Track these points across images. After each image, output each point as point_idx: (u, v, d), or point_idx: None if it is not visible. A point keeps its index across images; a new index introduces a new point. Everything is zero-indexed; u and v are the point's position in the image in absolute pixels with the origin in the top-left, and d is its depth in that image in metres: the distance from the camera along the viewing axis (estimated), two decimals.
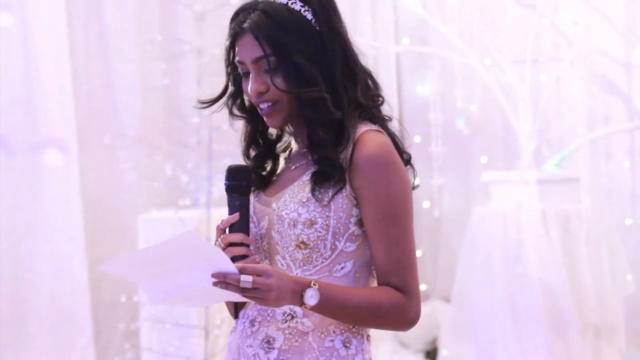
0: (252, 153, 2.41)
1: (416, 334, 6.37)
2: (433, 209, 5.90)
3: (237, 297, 2.17)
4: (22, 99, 5.77)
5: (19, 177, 5.77)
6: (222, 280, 2.11)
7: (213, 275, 2.11)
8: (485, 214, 5.57)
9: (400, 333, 6.31)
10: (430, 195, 5.95)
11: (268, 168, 2.40)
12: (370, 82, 2.35)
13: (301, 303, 2.18)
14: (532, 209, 5.36)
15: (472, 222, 5.58)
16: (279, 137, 2.43)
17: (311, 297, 2.18)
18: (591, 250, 5.34)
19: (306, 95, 2.25)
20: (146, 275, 2.18)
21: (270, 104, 2.29)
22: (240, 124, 2.43)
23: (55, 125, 5.84)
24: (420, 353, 6.44)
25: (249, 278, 2.11)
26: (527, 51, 5.56)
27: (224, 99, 2.38)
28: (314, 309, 2.20)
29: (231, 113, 2.38)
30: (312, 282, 2.19)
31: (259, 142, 2.41)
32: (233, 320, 2.43)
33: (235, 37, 2.29)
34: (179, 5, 6.03)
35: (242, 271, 2.12)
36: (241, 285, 2.11)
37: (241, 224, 2.28)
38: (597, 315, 5.34)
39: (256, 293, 2.13)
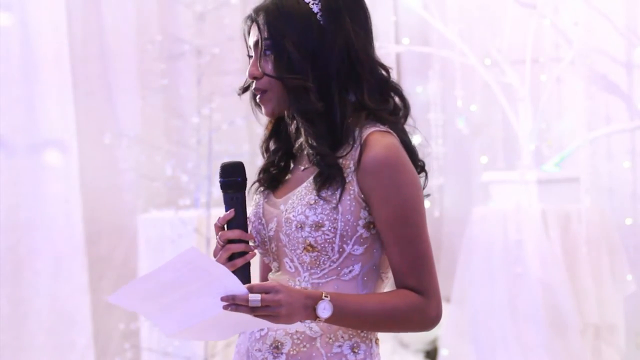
0: (272, 147, 2.38)
1: (416, 334, 6.37)
2: (433, 209, 5.89)
3: (253, 325, 2.15)
4: (22, 99, 5.77)
5: (19, 177, 5.76)
6: (232, 303, 2.09)
7: (222, 299, 2.09)
8: (485, 214, 5.56)
9: (400, 333, 6.31)
10: (431, 195, 5.95)
11: (283, 165, 2.37)
12: (396, 98, 2.30)
13: (315, 317, 2.16)
14: (532, 209, 5.35)
15: (472, 222, 5.57)
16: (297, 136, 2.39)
17: (324, 309, 2.16)
18: (591, 250, 5.33)
19: (289, 82, 2.25)
20: (157, 306, 2.14)
21: (261, 92, 2.29)
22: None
23: (55, 125, 5.83)
24: (420, 353, 6.43)
25: (257, 296, 2.09)
26: (527, 51, 5.55)
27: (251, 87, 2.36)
28: (329, 320, 2.18)
29: (255, 101, 2.35)
30: (324, 295, 2.17)
31: (281, 136, 2.38)
32: None
33: (248, 24, 2.33)
34: (179, 5, 6.03)
35: (250, 290, 2.10)
36: (250, 304, 2.09)
37: (238, 220, 2.26)
38: (597, 315, 5.34)
39: (266, 311, 2.11)
